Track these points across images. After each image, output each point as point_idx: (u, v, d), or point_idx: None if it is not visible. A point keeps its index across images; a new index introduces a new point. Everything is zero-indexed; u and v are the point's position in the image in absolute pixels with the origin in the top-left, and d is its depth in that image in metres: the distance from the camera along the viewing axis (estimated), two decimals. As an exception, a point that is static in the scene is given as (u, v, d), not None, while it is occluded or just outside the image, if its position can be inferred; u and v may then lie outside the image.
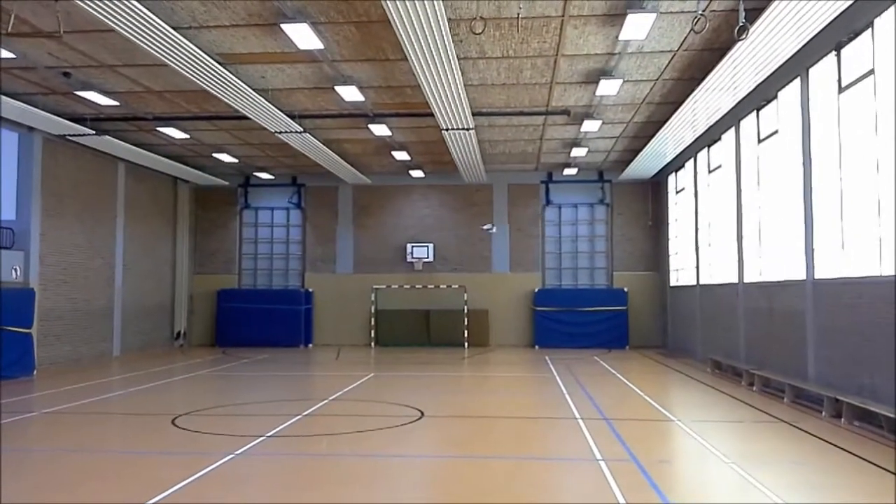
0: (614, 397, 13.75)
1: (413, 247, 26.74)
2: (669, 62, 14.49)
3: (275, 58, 14.12)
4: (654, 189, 26.25)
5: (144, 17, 10.89)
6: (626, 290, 25.91)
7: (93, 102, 16.94)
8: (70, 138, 19.03)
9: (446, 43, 12.06)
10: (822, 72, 12.35)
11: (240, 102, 15.69)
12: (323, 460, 8.72)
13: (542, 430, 10.92)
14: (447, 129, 18.19)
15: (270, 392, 15.20)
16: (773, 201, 14.89)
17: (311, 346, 26.66)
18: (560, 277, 26.83)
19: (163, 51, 12.35)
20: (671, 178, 24.27)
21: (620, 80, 15.35)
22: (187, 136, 20.68)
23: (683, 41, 13.31)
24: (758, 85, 14.57)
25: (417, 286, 26.66)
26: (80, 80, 15.50)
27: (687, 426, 10.59)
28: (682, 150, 21.33)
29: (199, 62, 13.14)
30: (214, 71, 13.68)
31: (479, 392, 15.59)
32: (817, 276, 12.63)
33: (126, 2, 10.32)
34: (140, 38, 11.65)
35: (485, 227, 26.22)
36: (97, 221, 21.89)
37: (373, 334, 26.69)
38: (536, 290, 26.30)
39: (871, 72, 10.60)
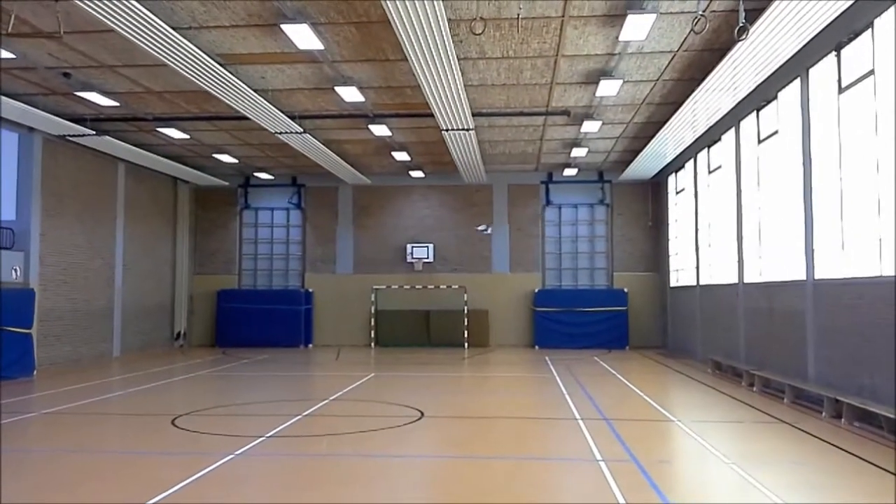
0: (614, 397, 13.75)
1: (413, 247, 26.74)
2: (669, 63, 14.49)
3: (275, 58, 14.12)
4: (655, 189, 26.25)
5: (144, 17, 10.90)
6: (626, 290, 25.90)
7: (93, 103, 16.95)
8: (70, 139, 19.04)
9: (446, 43, 12.06)
10: (823, 72, 12.35)
11: (240, 103, 15.69)
12: (323, 460, 8.71)
13: (542, 430, 10.91)
14: (447, 130, 18.20)
15: (270, 392, 15.20)
16: (773, 202, 14.89)
17: (311, 346, 26.66)
18: (560, 278, 26.83)
19: (163, 51, 12.35)
20: (671, 179, 24.28)
21: (620, 81, 15.36)
22: (187, 137, 20.69)
23: (683, 42, 13.32)
24: (758, 85, 14.57)
25: (417, 286, 26.66)
26: (80, 81, 15.51)
27: (687, 426, 10.59)
28: (682, 150, 21.33)
29: (199, 62, 13.14)
30: (214, 71, 13.68)
31: (479, 392, 15.59)
32: (817, 276, 12.63)
33: (126, 2, 10.33)
34: (140, 38, 11.66)
35: (479, 228, 26.24)
36: (97, 222, 21.89)
37: (373, 335, 26.68)
38: (536, 290, 26.30)
39: (871, 72, 10.61)
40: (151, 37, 11.66)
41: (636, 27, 12.03)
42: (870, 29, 10.59)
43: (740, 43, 11.58)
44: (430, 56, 12.60)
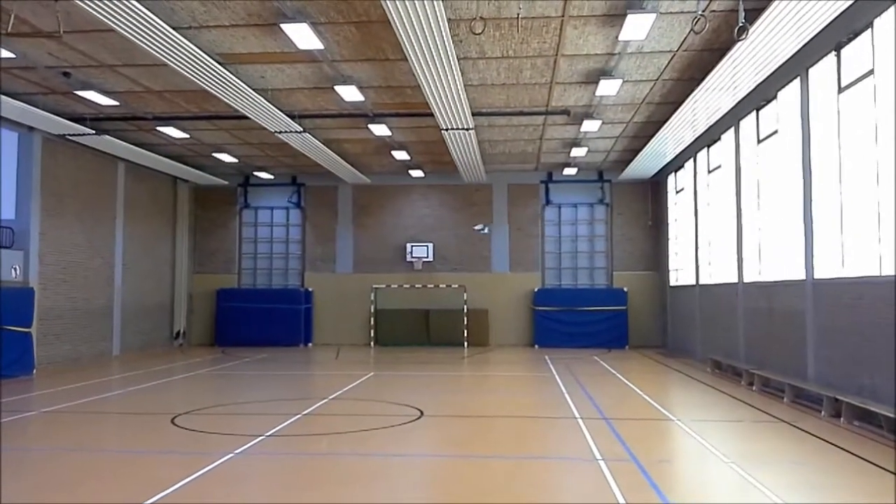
0: (614, 397, 13.75)
1: (413, 246, 26.74)
2: (669, 62, 14.49)
3: (275, 58, 14.12)
4: (654, 189, 26.25)
5: (144, 17, 10.89)
6: (625, 289, 25.91)
7: (93, 102, 16.94)
8: (70, 138, 19.04)
9: (446, 43, 12.06)
10: (822, 72, 12.35)
11: (240, 102, 15.69)
12: (323, 460, 8.71)
13: (541, 429, 10.92)
14: (447, 129, 18.20)
15: (270, 391, 15.20)
16: (773, 201, 14.90)
17: (310, 345, 26.66)
18: (560, 277, 26.84)
19: (163, 51, 12.35)
20: (671, 178, 24.28)
21: (620, 81, 15.36)
22: (187, 136, 20.69)
23: (683, 41, 13.32)
24: (757, 85, 14.57)
25: (417, 286, 26.66)
26: (79, 80, 15.50)
27: (687, 426, 10.60)
28: (681, 150, 21.33)
29: (198, 62, 13.14)
30: (214, 71, 13.67)
31: (479, 391, 15.60)
32: (817, 275, 12.63)
33: (126, 2, 10.32)
34: (140, 38, 11.65)
35: (477, 228, 26.25)
36: (97, 221, 21.89)
37: (372, 334, 26.69)
38: (536, 289, 26.30)
39: (871, 72, 10.61)
40: (151, 36, 11.66)
41: (636, 27, 12.03)
42: (869, 29, 10.59)
43: (740, 43, 11.58)
44: (430, 56, 12.60)
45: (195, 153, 23.44)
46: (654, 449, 9.24)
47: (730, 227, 17.75)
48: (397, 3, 10.29)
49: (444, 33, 11.61)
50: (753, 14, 10.79)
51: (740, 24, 10.09)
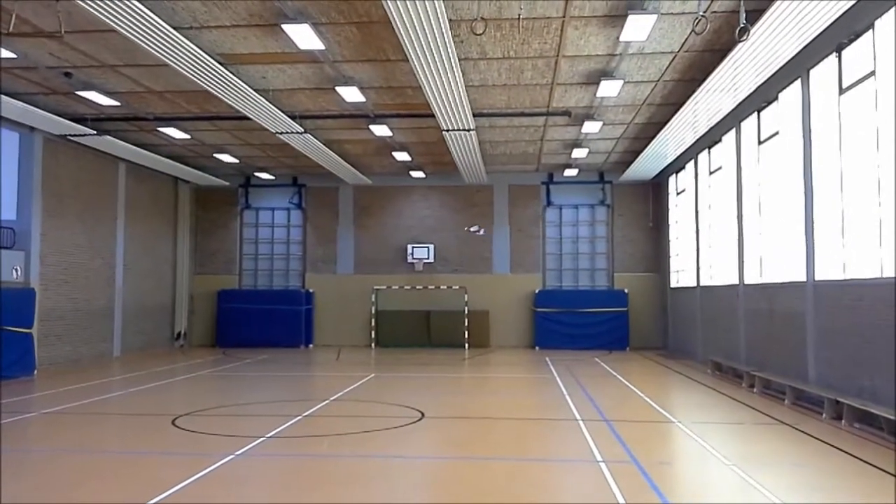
0: (615, 399, 13.74)
1: (413, 247, 26.74)
2: (670, 63, 14.49)
3: (276, 58, 14.13)
4: (655, 190, 26.24)
5: (145, 17, 10.90)
6: (626, 291, 25.90)
7: (94, 102, 16.95)
8: (71, 138, 19.05)
9: (447, 44, 12.06)
10: (823, 73, 12.34)
11: (241, 103, 15.69)
12: (323, 461, 8.71)
13: (542, 431, 10.91)
14: (448, 130, 18.20)
15: (271, 393, 15.20)
16: (774, 202, 14.89)
17: (311, 346, 26.66)
18: (561, 279, 26.82)
19: (164, 51, 12.35)
20: (672, 180, 24.27)
21: (621, 82, 15.35)
22: (188, 137, 20.70)
23: (684, 42, 13.31)
24: (758, 86, 14.56)
25: (418, 287, 26.66)
26: (81, 80, 15.51)
27: (687, 428, 10.59)
28: (682, 151, 21.32)
29: (199, 62, 13.15)
30: (215, 71, 13.68)
31: (480, 393, 15.59)
32: (818, 277, 12.62)
33: (127, 2, 10.33)
34: (141, 38, 11.66)
35: (472, 229, 26.23)
36: (98, 221, 21.90)
37: (373, 335, 26.68)
38: (537, 291, 26.29)
39: (872, 73, 10.60)
40: (152, 37, 11.67)
41: (637, 28, 12.02)
42: (871, 30, 10.59)
43: (741, 44, 11.58)
44: (431, 56, 12.60)
45: (196, 154, 23.45)
46: (655, 451, 9.24)
47: (731, 228, 17.74)
48: (398, 3, 10.30)
49: (445, 34, 11.62)
50: (754, 15, 10.79)
51: (741, 25, 10.08)
